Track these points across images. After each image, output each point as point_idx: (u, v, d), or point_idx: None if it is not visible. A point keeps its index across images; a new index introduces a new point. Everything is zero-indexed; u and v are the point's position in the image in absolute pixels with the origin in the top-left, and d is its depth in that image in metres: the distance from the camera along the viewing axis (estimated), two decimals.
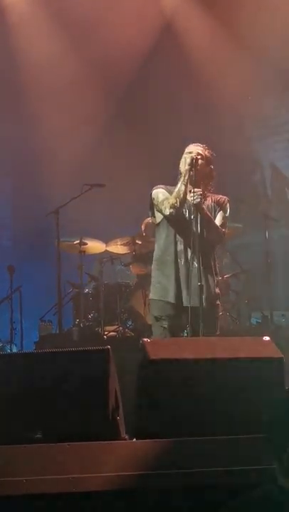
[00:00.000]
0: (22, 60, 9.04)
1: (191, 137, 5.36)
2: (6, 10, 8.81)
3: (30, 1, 8.85)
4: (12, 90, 9.31)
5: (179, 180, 5.09)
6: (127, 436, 3.58)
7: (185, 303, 4.90)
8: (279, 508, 2.48)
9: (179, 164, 5.18)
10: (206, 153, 5.14)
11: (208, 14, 8.96)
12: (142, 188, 5.84)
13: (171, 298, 4.98)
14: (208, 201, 5.16)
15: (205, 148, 5.17)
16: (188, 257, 4.95)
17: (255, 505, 2.49)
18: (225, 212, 5.21)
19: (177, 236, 5.06)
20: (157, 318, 5.05)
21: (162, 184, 5.20)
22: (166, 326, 4.99)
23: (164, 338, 4.87)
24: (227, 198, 5.27)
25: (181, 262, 4.99)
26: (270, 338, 3.78)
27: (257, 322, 8.12)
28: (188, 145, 5.22)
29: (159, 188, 5.17)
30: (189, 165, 4.99)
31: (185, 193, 4.98)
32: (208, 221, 5.06)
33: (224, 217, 5.20)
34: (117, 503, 3.13)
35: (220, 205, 5.20)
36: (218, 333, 5.06)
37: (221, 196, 5.26)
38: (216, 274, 5.21)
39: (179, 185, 5.01)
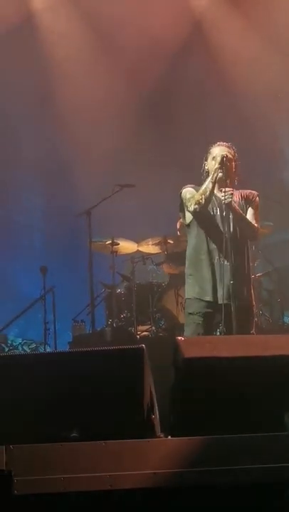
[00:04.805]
0: (53, 63, 9.12)
1: (221, 136, 5.37)
2: (37, 19, 8.94)
3: (60, 4, 8.93)
4: (42, 92, 9.38)
5: (205, 178, 5.11)
6: (162, 435, 3.59)
7: (220, 301, 4.90)
8: None
9: (203, 164, 5.21)
10: (232, 151, 5.15)
11: (237, 13, 8.94)
12: (174, 187, 5.84)
13: (208, 296, 4.99)
14: (237, 198, 5.16)
15: (229, 146, 5.19)
16: (221, 256, 4.94)
17: None
18: (255, 207, 5.22)
19: (208, 235, 5.06)
20: (192, 314, 5.06)
21: (193, 184, 5.22)
22: (200, 322, 5.00)
23: (197, 336, 4.88)
24: (256, 193, 5.28)
25: (215, 260, 5.00)
26: None
27: None
28: (212, 144, 5.24)
29: (188, 187, 5.19)
30: (220, 164, 5.01)
31: (212, 191, 4.99)
32: (240, 218, 5.07)
33: (255, 212, 5.21)
34: (154, 501, 3.14)
35: (249, 201, 5.21)
36: (252, 331, 5.05)
37: (249, 191, 5.26)
38: (250, 272, 5.20)
39: (206, 182, 5.03)
